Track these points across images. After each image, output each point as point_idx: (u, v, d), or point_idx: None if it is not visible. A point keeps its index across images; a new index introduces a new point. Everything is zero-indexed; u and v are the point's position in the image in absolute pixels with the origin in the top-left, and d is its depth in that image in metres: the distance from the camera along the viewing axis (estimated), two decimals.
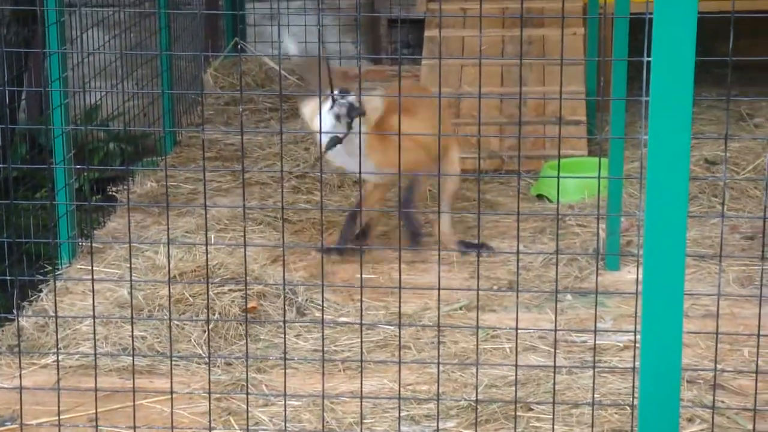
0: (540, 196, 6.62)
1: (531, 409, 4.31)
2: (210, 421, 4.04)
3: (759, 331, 3.77)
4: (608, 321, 5.09)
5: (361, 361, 4.47)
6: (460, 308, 5.22)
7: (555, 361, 3.85)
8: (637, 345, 3.07)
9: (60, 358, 4.74)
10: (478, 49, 7.17)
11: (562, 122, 6.56)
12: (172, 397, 3.90)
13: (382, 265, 5.67)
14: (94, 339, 4.32)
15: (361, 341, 4.45)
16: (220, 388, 4.53)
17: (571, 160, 6.78)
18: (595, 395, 4.27)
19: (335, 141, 5.33)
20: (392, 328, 4.91)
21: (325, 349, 4.80)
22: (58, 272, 5.69)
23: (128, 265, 5.32)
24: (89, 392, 4.10)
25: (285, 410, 4.22)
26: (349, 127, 5.27)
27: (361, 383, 4.42)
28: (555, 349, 3.82)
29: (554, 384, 4.20)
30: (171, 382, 3.98)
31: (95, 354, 4.03)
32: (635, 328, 3.07)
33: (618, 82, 5.36)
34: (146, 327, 4.96)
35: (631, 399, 4.21)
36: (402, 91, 5.18)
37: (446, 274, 5.53)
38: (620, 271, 5.64)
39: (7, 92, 6.50)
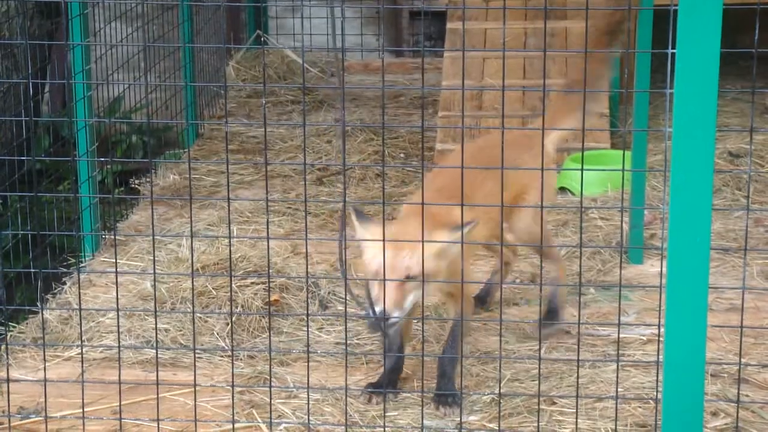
0: (563, 189, 6.60)
1: (554, 403, 4.30)
2: (233, 414, 4.04)
3: None
4: (631, 314, 5.07)
5: (384, 354, 4.47)
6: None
7: (578, 355, 3.83)
8: (661, 339, 3.06)
9: (84, 350, 4.75)
10: (501, 41, 7.15)
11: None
12: (195, 390, 3.91)
13: None
14: (118, 332, 4.33)
15: (384, 335, 4.43)
16: (243, 381, 4.54)
17: (594, 153, 6.75)
18: (619, 389, 4.25)
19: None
20: (415, 321, 4.91)
21: (348, 342, 4.79)
22: (82, 265, 5.70)
23: (151, 258, 5.33)
24: (113, 385, 4.11)
25: (308, 403, 4.22)
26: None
27: (385, 377, 4.42)
28: (578, 342, 3.80)
29: (578, 377, 4.20)
30: (194, 375, 3.98)
31: (119, 347, 4.03)
32: (659, 321, 3.06)
33: (642, 75, 5.34)
34: (169, 320, 4.97)
35: (655, 393, 4.20)
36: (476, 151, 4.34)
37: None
38: (644, 265, 5.62)
39: (30, 84, 6.51)
